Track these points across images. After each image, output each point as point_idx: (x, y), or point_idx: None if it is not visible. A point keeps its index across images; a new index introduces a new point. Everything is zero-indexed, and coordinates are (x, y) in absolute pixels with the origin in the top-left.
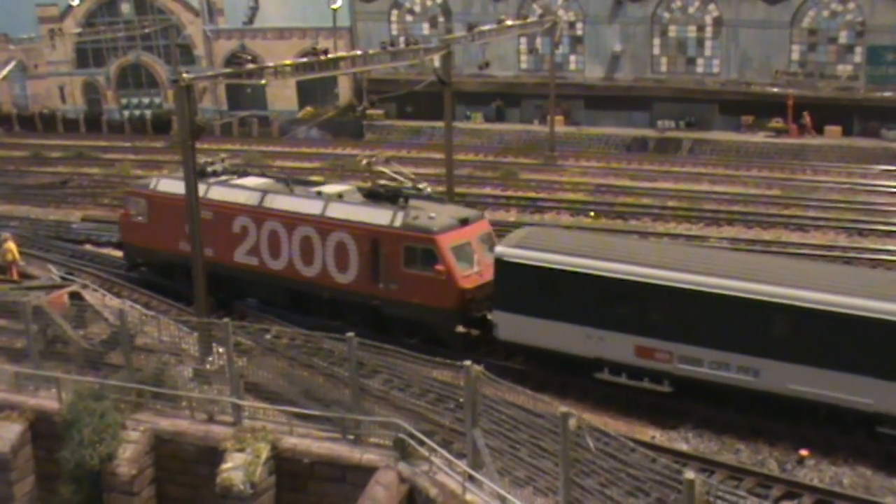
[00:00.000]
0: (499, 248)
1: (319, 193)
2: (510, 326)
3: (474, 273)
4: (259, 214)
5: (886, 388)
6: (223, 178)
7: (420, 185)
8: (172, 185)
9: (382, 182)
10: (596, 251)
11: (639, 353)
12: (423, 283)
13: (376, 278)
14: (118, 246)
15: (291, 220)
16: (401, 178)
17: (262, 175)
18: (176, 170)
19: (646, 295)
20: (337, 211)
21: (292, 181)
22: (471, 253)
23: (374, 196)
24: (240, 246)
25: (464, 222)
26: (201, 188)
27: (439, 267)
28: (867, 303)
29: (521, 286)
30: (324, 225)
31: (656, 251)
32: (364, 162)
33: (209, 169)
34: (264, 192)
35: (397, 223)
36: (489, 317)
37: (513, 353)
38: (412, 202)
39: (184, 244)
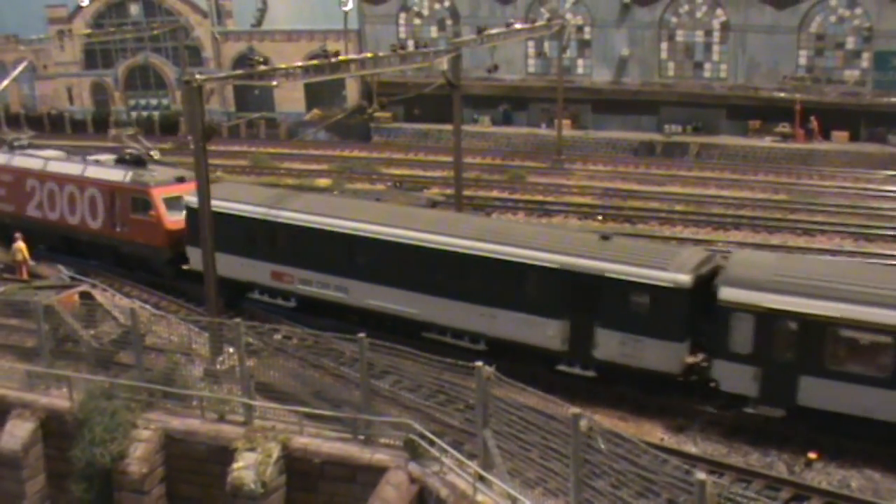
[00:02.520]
0: (186, 198)
1: (84, 159)
2: (197, 258)
3: (183, 219)
4: (42, 176)
5: (425, 300)
6: (27, 150)
7: (152, 153)
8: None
9: (129, 150)
10: (251, 199)
11: (274, 276)
12: (143, 226)
13: (114, 224)
14: None
15: (62, 180)
16: (139, 147)
17: (60, 148)
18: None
19: (275, 231)
20: (92, 172)
21: (75, 151)
22: (182, 204)
23: (121, 161)
24: (31, 202)
25: (180, 180)
26: (6, 157)
27: (152, 213)
28: (407, 232)
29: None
30: (82, 183)
31: (293, 198)
32: (113, 133)
33: (16, 143)
34: (47, 159)
35: (127, 180)
36: None
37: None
38: (150, 166)
39: (2, 205)
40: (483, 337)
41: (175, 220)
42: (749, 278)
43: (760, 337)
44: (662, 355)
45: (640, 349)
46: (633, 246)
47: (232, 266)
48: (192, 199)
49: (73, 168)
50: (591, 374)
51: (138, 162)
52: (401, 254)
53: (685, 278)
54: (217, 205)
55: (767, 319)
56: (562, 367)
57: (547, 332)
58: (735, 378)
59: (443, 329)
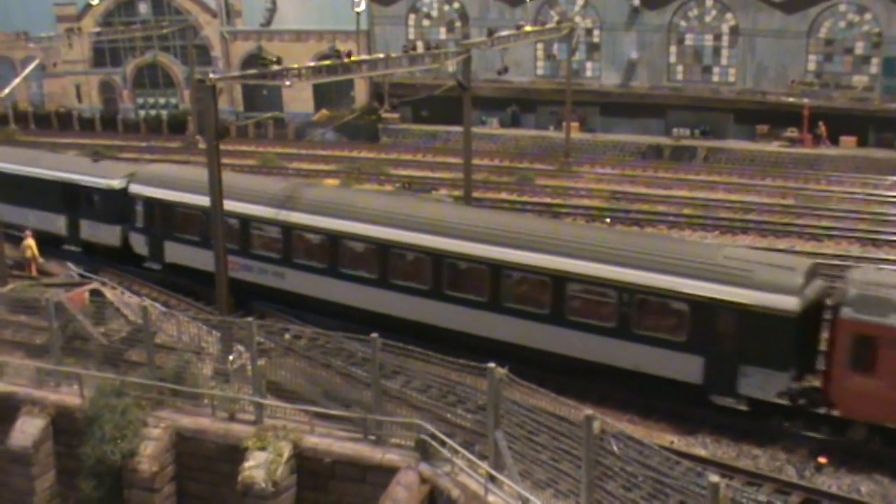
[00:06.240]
0: None
1: None
2: None
3: None
4: None
5: (33, 214)
6: None
7: None
8: None
9: None
10: None
11: None
12: None
13: None
14: None
15: None
16: None
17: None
18: None
19: None
20: None
21: None
22: None
23: None
24: None
25: None
26: None
27: None
28: (22, 168)
29: None
30: None
31: None
32: None
33: None
34: None
35: None
36: None
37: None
38: None
39: None
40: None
41: None
42: (146, 179)
43: (146, 215)
44: (110, 233)
45: (100, 230)
46: (105, 164)
47: None
48: None
49: None
50: (79, 249)
51: None
52: (20, 182)
53: (116, 182)
54: None
55: (148, 203)
56: (66, 247)
57: (58, 224)
58: (138, 244)
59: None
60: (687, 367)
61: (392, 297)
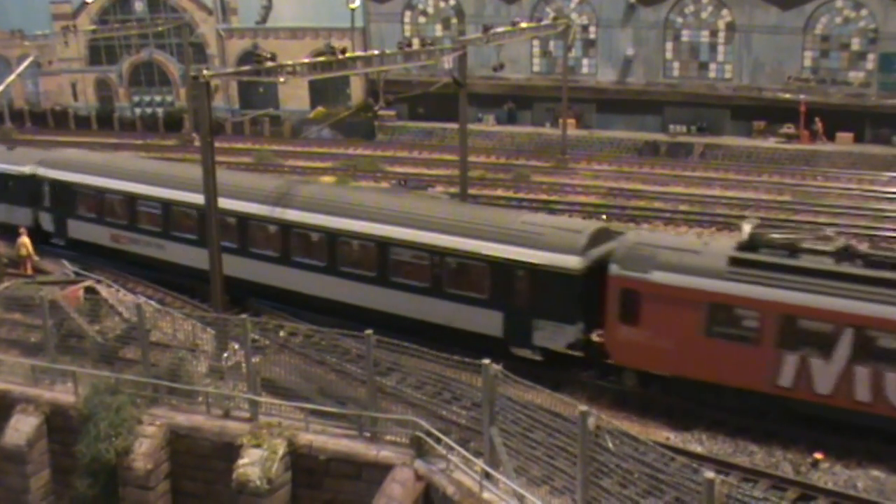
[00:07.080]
0: None
1: None
2: None
3: None
4: None
5: None
6: None
7: None
8: None
9: None
10: None
11: None
12: None
13: None
14: None
15: None
16: None
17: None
18: None
19: None
20: None
21: None
22: None
23: None
24: None
25: None
26: None
27: None
28: None
29: None
30: None
31: None
32: None
33: None
34: None
35: None
36: None
37: None
38: None
39: None
40: None
41: None
42: (51, 163)
43: (52, 196)
44: (23, 215)
45: (14, 212)
46: (19, 151)
47: None
48: None
49: None
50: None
51: None
52: None
53: (27, 168)
54: None
55: (53, 185)
56: None
57: None
58: (46, 222)
59: None
60: (489, 322)
61: (250, 264)
